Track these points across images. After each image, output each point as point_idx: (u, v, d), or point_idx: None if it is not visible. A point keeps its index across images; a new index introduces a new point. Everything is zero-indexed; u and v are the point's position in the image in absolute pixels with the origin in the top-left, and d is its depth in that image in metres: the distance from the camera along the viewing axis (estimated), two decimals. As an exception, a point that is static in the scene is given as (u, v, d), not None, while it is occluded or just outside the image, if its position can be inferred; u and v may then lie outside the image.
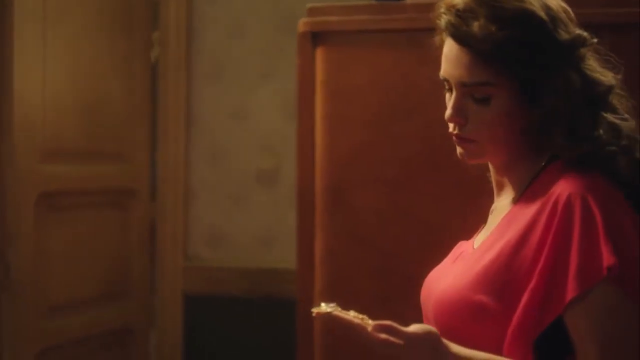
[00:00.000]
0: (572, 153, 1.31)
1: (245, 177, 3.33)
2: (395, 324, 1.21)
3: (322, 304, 1.24)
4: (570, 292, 1.23)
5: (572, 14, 1.36)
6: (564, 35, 1.31)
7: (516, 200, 1.37)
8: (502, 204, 1.41)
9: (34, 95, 2.93)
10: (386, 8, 2.22)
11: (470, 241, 1.46)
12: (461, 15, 1.31)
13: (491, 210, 1.46)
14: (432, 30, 1.40)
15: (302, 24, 2.19)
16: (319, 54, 2.17)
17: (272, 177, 3.30)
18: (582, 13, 1.42)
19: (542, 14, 1.30)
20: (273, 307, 3.20)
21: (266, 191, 3.31)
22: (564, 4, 1.36)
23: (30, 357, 2.94)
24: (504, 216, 1.36)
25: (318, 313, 1.23)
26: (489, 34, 1.28)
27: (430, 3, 2.14)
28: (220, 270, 3.33)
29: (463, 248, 1.45)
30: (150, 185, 3.45)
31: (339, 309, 1.23)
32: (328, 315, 1.22)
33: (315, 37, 2.17)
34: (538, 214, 1.29)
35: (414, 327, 1.23)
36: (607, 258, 1.23)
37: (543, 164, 1.36)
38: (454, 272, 1.36)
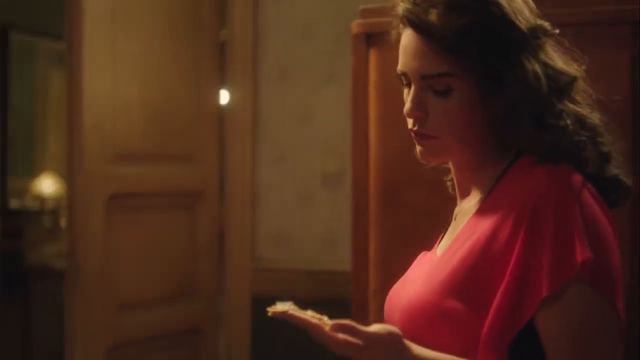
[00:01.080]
0: (540, 144, 1.24)
1: (310, 179, 3.35)
2: (354, 324, 1.16)
3: (278, 303, 1.21)
4: (544, 290, 1.15)
5: (533, 4, 1.31)
6: (524, 24, 1.26)
7: (483, 199, 1.29)
8: (467, 206, 1.33)
9: (103, 98, 3.01)
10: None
11: (432, 250, 1.39)
12: (419, 4, 1.25)
13: (454, 215, 1.38)
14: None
15: (356, 25, 2.19)
16: (372, 55, 2.16)
17: (337, 178, 3.31)
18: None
19: (502, 1, 1.25)
20: (338, 308, 3.20)
21: (331, 193, 3.32)
22: None
23: (100, 353, 3.01)
24: (470, 217, 1.29)
25: (274, 312, 1.20)
26: (447, 22, 1.23)
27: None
28: (286, 271, 3.35)
29: (426, 257, 1.39)
30: (218, 187, 3.50)
31: (295, 307, 1.21)
32: (283, 314, 1.19)
33: (369, 39, 2.16)
34: (508, 210, 1.21)
35: (374, 327, 1.17)
36: (581, 253, 1.16)
37: (509, 161, 1.29)
38: (420, 279, 1.29)
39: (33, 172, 5.12)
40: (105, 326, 3.02)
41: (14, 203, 4.97)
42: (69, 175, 3.02)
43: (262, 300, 3.48)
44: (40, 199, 5.04)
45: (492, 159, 1.30)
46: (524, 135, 1.25)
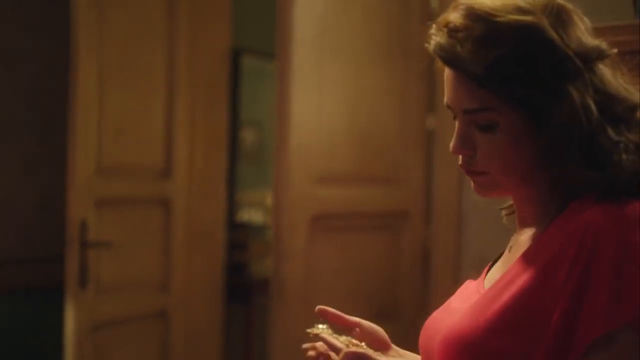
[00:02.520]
0: (586, 182, 1.13)
1: (517, 203, 3.24)
2: (370, 353, 1.17)
3: (316, 325, 1.30)
4: (590, 334, 1.06)
5: (589, 24, 1.17)
6: (574, 47, 1.13)
7: (538, 235, 1.19)
8: (522, 239, 1.24)
9: (310, 122, 3.09)
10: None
11: (479, 280, 1.31)
12: (454, 35, 1.15)
13: (509, 246, 1.30)
14: None
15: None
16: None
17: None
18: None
19: (544, 25, 1.12)
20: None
21: (538, 218, 3.20)
22: (579, 13, 1.17)
23: (300, 370, 3.09)
24: (524, 252, 1.19)
25: (312, 333, 1.29)
26: (478, 54, 1.13)
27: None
28: (490, 297, 3.27)
29: (472, 287, 1.30)
30: (424, 209, 3.47)
31: (329, 331, 1.29)
32: (317, 335, 1.28)
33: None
34: (564, 247, 1.12)
35: None
36: (638, 296, 1.05)
37: (571, 199, 1.17)
38: (466, 312, 1.20)
39: (263, 186, 5.36)
40: (305, 341, 3.09)
41: (242, 216, 5.21)
42: (275, 194, 3.13)
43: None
44: (265, 212, 5.25)
45: (553, 197, 1.20)
46: (569, 173, 1.14)
